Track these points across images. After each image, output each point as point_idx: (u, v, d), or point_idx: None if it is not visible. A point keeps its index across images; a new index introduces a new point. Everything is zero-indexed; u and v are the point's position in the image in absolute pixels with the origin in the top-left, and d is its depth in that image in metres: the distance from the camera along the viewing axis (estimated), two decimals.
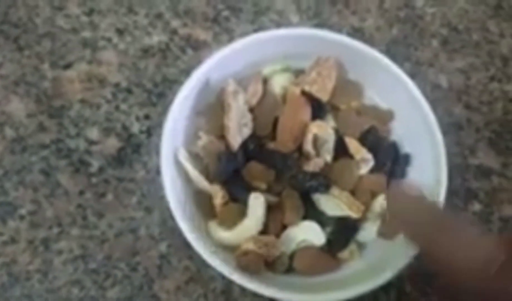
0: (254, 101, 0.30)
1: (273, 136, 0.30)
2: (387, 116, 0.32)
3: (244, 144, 0.29)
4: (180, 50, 0.37)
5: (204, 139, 0.30)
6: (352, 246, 0.30)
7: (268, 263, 0.29)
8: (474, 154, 0.36)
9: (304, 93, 0.30)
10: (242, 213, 0.28)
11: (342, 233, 0.29)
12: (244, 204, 0.28)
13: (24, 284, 0.30)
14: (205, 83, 0.30)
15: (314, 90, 0.30)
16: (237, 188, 0.29)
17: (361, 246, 0.30)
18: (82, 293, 0.31)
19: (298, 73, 0.32)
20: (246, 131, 0.29)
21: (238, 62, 0.31)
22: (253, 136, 0.29)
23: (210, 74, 0.30)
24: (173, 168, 0.29)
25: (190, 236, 0.27)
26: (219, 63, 0.30)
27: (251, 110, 0.30)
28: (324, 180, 0.29)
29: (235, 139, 0.28)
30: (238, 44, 0.31)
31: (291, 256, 0.29)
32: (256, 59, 0.32)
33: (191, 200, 0.29)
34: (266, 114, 0.30)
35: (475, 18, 0.40)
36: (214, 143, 0.29)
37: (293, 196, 0.29)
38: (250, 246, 0.27)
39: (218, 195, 0.28)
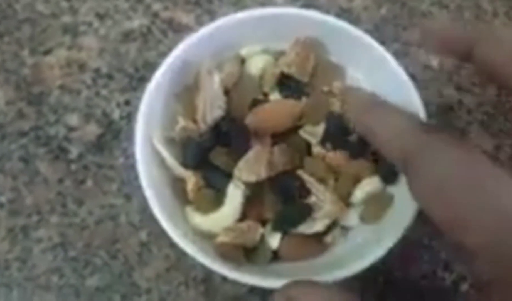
0: (230, 82, 0.29)
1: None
2: None
3: (216, 127, 0.28)
4: (161, 33, 0.36)
5: (181, 123, 0.29)
6: (336, 231, 0.29)
7: (250, 250, 0.28)
8: (465, 137, 0.35)
9: (283, 75, 0.29)
10: (218, 199, 0.27)
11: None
12: (219, 191, 0.27)
13: (3, 273, 0.30)
14: (183, 65, 0.30)
15: (293, 71, 0.29)
16: (213, 174, 0.28)
17: (344, 230, 0.29)
18: (62, 281, 0.30)
19: (279, 55, 0.31)
20: (219, 113, 0.28)
21: (217, 43, 0.30)
22: (226, 119, 0.28)
23: (188, 56, 0.30)
24: (149, 154, 0.28)
25: (167, 224, 0.26)
26: (196, 45, 0.30)
27: (227, 92, 0.29)
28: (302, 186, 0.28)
29: (205, 121, 0.28)
30: (216, 24, 0.30)
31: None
32: (235, 40, 0.31)
33: (168, 187, 0.29)
34: (242, 96, 0.29)
35: None
36: (190, 128, 0.28)
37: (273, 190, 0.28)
38: (225, 239, 0.27)
39: (191, 180, 0.27)
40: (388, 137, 0.21)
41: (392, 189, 0.30)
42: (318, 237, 0.29)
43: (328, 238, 0.29)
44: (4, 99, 0.34)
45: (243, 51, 0.31)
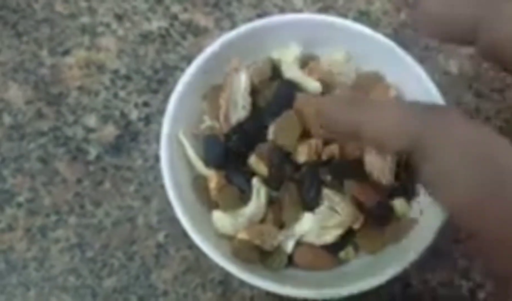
0: (258, 79, 0.29)
1: None
2: None
3: (240, 128, 0.28)
4: (180, 36, 0.36)
5: (207, 123, 0.29)
6: (349, 248, 0.29)
7: (265, 253, 0.28)
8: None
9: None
10: (241, 199, 0.27)
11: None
12: (242, 191, 0.27)
13: (20, 272, 0.30)
14: (213, 64, 0.30)
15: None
16: (235, 174, 0.28)
17: (357, 247, 0.29)
18: (79, 281, 0.30)
19: (310, 59, 0.31)
20: (243, 114, 0.28)
21: (248, 45, 0.30)
22: (251, 120, 0.28)
23: (218, 56, 0.30)
24: (173, 151, 0.28)
25: (188, 225, 0.26)
26: (227, 46, 0.30)
27: (254, 92, 0.29)
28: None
29: (227, 121, 0.28)
30: (248, 26, 0.30)
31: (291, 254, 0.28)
32: (265, 44, 0.31)
33: (190, 186, 0.29)
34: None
35: None
36: (215, 127, 0.28)
37: (293, 192, 0.28)
38: (244, 235, 0.27)
39: (213, 179, 0.27)
40: (388, 127, 0.20)
41: (414, 208, 0.29)
42: (332, 250, 0.29)
43: (342, 254, 0.29)
44: (23, 99, 0.34)
45: (275, 54, 0.31)
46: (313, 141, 0.28)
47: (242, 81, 0.28)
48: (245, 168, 0.28)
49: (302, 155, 0.27)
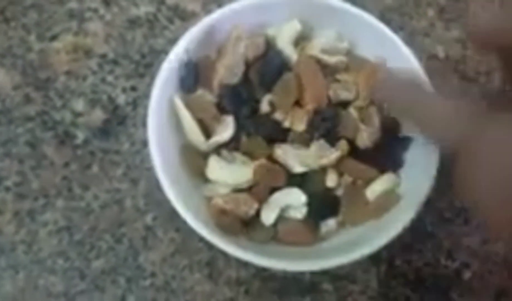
0: (252, 54, 0.30)
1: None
2: None
3: (233, 88, 0.29)
4: (167, 20, 0.37)
5: (199, 92, 0.29)
6: (331, 223, 0.29)
7: (249, 226, 0.28)
8: None
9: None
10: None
11: (323, 206, 0.29)
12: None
13: (9, 255, 0.30)
14: (209, 34, 0.30)
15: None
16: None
17: (341, 223, 0.29)
18: (67, 264, 0.31)
19: (300, 39, 0.32)
20: (234, 80, 0.29)
21: (244, 21, 0.31)
22: (245, 86, 0.29)
23: (215, 28, 0.30)
24: (161, 122, 0.28)
25: (173, 194, 0.26)
26: (223, 19, 0.30)
27: (247, 66, 0.30)
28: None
29: (220, 83, 0.29)
30: (247, 2, 0.31)
31: (275, 225, 0.28)
32: (264, 21, 0.31)
33: (177, 156, 0.29)
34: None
35: None
36: (205, 96, 0.29)
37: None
38: (220, 202, 0.27)
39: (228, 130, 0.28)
40: (440, 118, 0.20)
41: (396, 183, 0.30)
42: (314, 226, 0.29)
43: (323, 230, 0.29)
44: (11, 84, 0.34)
45: (271, 32, 0.31)
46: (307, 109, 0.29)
47: (241, 48, 0.29)
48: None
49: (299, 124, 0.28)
